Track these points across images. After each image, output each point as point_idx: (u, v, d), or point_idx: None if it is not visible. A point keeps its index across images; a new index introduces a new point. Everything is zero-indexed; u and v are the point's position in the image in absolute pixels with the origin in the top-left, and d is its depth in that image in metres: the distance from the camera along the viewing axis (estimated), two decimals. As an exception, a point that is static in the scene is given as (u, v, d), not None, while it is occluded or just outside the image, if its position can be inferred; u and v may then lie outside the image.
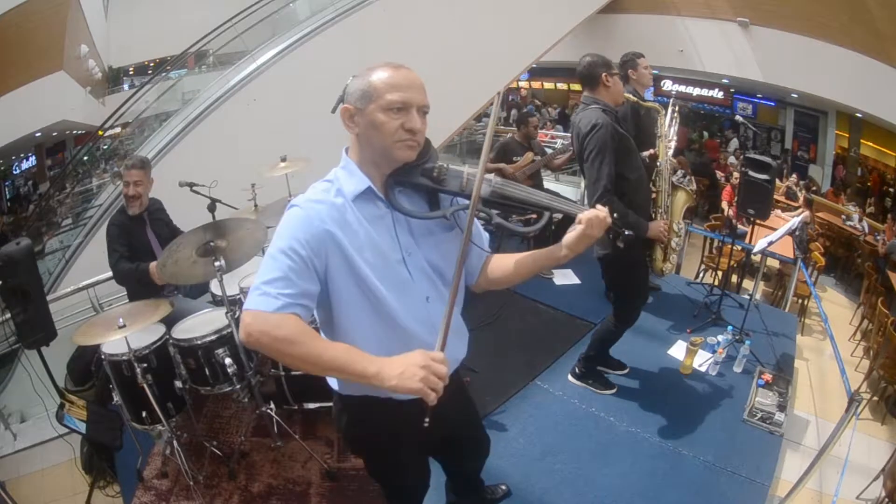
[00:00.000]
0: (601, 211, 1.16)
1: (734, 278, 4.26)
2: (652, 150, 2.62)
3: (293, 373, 2.37)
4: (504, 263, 1.34)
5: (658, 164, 2.48)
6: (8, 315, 2.64)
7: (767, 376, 2.92)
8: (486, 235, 1.39)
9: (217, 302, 2.59)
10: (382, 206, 1.20)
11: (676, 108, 2.72)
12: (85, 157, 7.26)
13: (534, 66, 9.89)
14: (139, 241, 2.69)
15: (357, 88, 1.16)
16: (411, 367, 1.01)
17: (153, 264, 2.51)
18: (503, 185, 1.21)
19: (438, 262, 1.26)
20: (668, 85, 10.57)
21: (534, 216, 1.21)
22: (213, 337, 2.19)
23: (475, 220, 1.21)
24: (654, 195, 2.47)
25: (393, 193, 1.19)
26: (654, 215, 2.44)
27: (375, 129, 1.13)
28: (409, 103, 1.12)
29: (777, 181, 6.64)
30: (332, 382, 1.35)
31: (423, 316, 1.23)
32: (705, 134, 10.87)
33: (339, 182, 1.20)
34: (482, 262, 1.36)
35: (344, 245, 1.13)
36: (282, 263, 1.10)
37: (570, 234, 1.18)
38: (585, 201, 2.49)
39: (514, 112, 13.81)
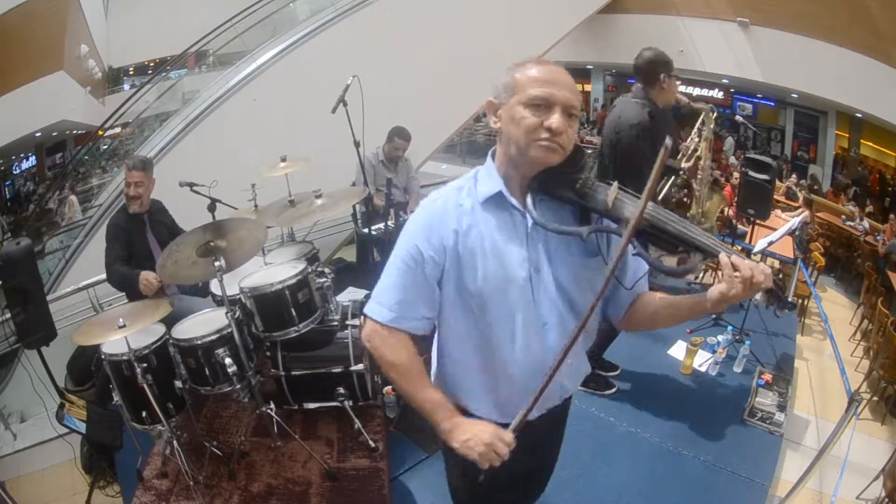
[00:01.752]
0: (761, 271, 0.95)
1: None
2: (693, 158, 2.60)
3: (293, 373, 2.37)
4: (650, 307, 1.18)
5: (699, 165, 2.46)
6: (8, 315, 2.64)
7: (767, 376, 2.92)
8: (641, 269, 1.17)
9: (217, 302, 2.58)
10: (517, 214, 1.08)
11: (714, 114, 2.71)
12: (85, 157, 7.27)
13: (534, 66, 9.87)
14: (138, 241, 2.68)
15: (502, 83, 1.07)
16: (476, 439, 1.06)
17: (143, 273, 2.51)
18: (655, 212, 1.02)
19: (569, 288, 1.11)
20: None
21: (684, 254, 1.02)
22: (213, 337, 2.19)
23: (630, 251, 1.02)
24: (687, 200, 2.47)
25: (534, 201, 1.07)
26: (689, 219, 2.44)
27: (514, 123, 1.03)
28: (552, 100, 1.00)
29: (777, 181, 6.64)
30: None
31: (535, 344, 1.11)
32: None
33: (475, 181, 1.12)
34: (632, 299, 1.19)
35: (462, 252, 1.07)
36: (401, 271, 1.10)
37: (718, 293, 0.97)
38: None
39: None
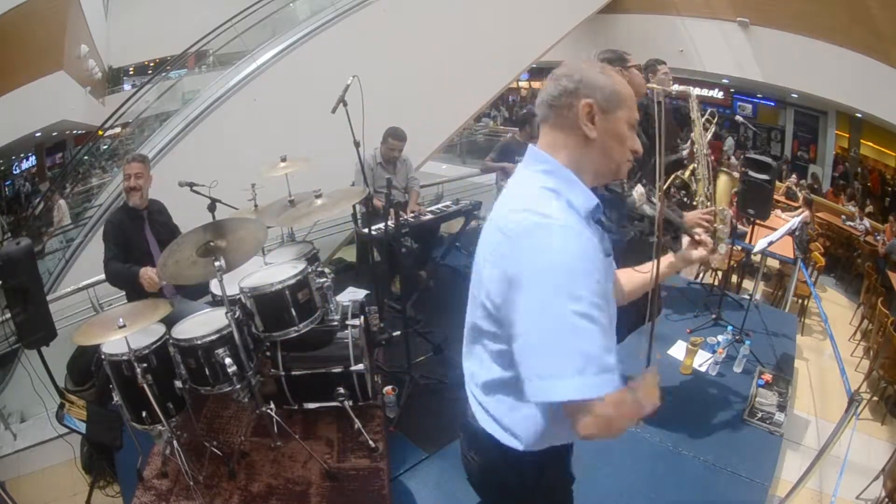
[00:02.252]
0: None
1: (734, 278, 4.26)
2: (688, 146, 2.62)
3: (293, 373, 2.37)
4: (622, 278, 1.24)
5: (695, 150, 2.47)
6: (8, 315, 2.65)
7: (767, 376, 2.92)
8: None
9: (217, 302, 2.59)
10: (594, 226, 1.02)
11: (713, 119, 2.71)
12: (85, 157, 7.27)
13: (534, 66, 9.89)
14: (135, 238, 2.69)
15: (601, 85, 0.97)
16: (653, 391, 1.01)
17: (143, 269, 2.51)
18: (667, 208, 1.19)
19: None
20: (668, 85, 10.57)
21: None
22: (213, 337, 2.18)
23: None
24: (688, 200, 2.49)
25: None
26: (696, 204, 2.45)
27: (619, 141, 0.99)
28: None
29: (777, 181, 6.63)
30: (513, 442, 1.08)
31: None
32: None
33: (564, 193, 0.96)
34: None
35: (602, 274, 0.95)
36: (601, 322, 0.87)
37: (694, 254, 1.22)
38: None
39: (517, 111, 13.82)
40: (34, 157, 10.02)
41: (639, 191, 1.13)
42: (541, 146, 1.02)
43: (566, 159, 0.99)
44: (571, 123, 0.98)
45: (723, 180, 2.50)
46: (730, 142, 10.26)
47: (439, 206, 3.98)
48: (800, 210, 6.64)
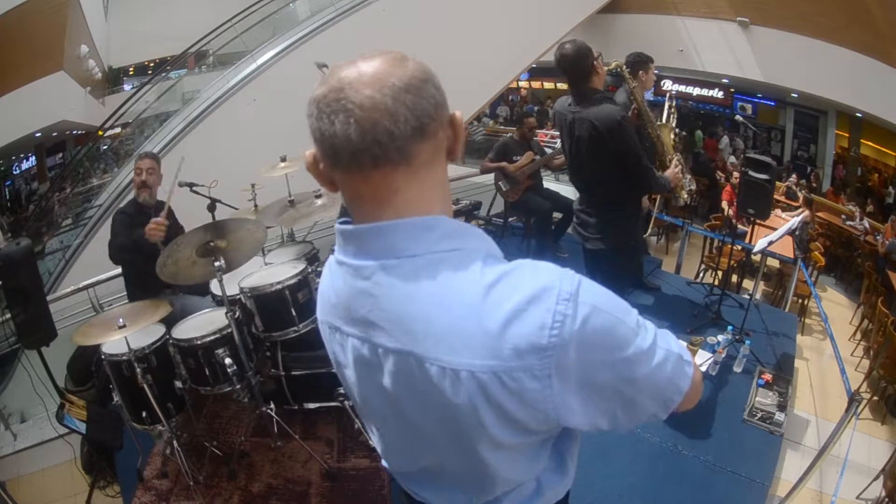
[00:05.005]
0: None
1: (734, 278, 4.26)
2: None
3: (293, 373, 2.37)
4: None
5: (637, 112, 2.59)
6: (8, 315, 2.65)
7: (767, 376, 2.92)
8: None
9: (217, 302, 2.58)
10: None
11: (673, 105, 2.77)
12: (84, 159, 7.27)
13: (534, 66, 9.88)
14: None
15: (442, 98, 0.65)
16: None
17: (147, 227, 2.43)
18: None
19: None
20: (667, 85, 10.56)
21: None
22: (213, 337, 2.19)
23: None
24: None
25: None
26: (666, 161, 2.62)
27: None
28: None
29: (777, 181, 6.62)
30: None
31: None
32: (698, 134, 10.83)
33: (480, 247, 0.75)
34: None
35: None
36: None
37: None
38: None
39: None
40: (34, 157, 10.02)
41: None
42: (410, 205, 0.63)
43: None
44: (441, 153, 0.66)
45: (665, 131, 2.70)
46: (725, 141, 10.24)
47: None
48: (800, 210, 6.64)
